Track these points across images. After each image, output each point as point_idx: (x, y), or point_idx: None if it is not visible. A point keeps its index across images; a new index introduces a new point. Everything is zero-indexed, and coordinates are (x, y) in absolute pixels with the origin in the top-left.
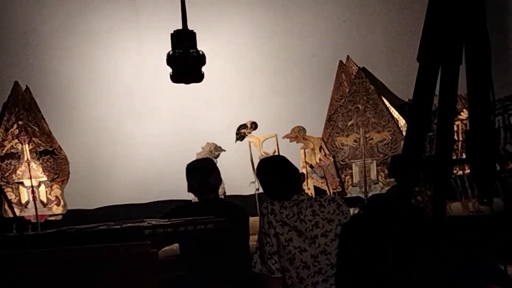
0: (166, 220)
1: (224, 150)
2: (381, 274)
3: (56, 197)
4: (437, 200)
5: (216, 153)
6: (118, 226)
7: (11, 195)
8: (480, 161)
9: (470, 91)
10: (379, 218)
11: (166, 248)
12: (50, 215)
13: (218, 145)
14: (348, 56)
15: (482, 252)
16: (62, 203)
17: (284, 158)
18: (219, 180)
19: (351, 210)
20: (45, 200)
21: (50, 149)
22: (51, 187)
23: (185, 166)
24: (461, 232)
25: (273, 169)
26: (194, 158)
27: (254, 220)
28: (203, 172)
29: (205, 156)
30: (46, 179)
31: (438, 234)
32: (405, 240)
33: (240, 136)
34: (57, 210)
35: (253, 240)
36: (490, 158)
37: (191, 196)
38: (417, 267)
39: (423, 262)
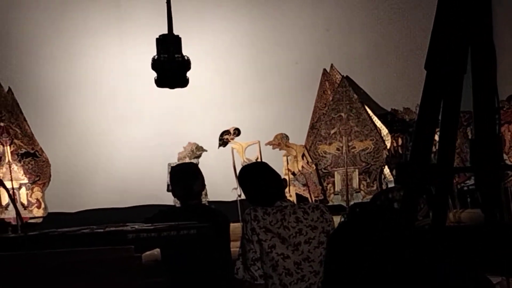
0: (149, 224)
1: (206, 150)
2: (369, 279)
3: (37, 199)
4: (437, 208)
5: (198, 153)
6: (101, 230)
7: None
8: (484, 170)
9: (475, 99)
10: (365, 225)
11: (147, 253)
12: (31, 218)
13: (200, 145)
14: (332, 64)
15: (472, 263)
16: (43, 205)
17: (266, 164)
18: (202, 186)
19: (334, 218)
20: (25, 203)
21: (32, 151)
22: (32, 189)
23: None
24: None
25: (255, 176)
26: (176, 163)
27: (235, 227)
28: (187, 177)
29: (186, 156)
30: (27, 181)
31: (438, 241)
32: (390, 245)
33: (223, 142)
34: (38, 212)
35: (234, 246)
36: (494, 167)
37: (173, 201)
38: (403, 271)
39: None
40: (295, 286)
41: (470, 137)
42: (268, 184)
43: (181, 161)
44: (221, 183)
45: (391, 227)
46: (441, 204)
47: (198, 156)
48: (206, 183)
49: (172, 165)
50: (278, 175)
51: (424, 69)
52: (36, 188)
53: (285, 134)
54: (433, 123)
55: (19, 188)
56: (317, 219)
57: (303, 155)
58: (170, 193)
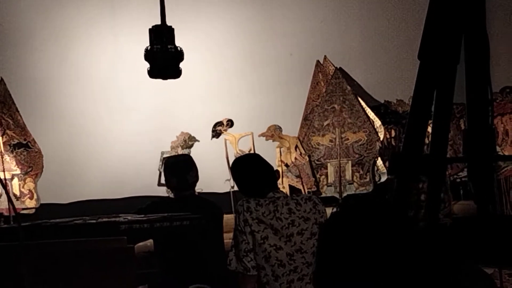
0: (142, 215)
1: (198, 141)
2: (361, 269)
3: (29, 190)
4: (431, 199)
5: (190, 143)
6: (94, 221)
7: None
8: (477, 160)
9: (468, 90)
10: (357, 215)
11: (139, 244)
12: (23, 209)
13: (192, 135)
14: (325, 56)
15: (468, 255)
16: (35, 196)
17: (258, 155)
18: (196, 178)
19: (327, 210)
20: (18, 194)
21: (24, 142)
22: (24, 180)
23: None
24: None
25: (247, 167)
26: (169, 153)
27: (228, 218)
28: (181, 169)
29: (179, 145)
30: (19, 172)
31: (431, 234)
32: (382, 236)
33: (216, 134)
34: (30, 203)
35: (227, 238)
36: (487, 158)
37: (166, 192)
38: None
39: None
40: (287, 277)
41: (463, 129)
42: (261, 176)
43: (173, 150)
44: (214, 175)
45: (384, 218)
46: (435, 195)
47: (191, 146)
48: (199, 174)
49: (165, 153)
50: (270, 167)
51: (418, 59)
52: (28, 179)
53: (278, 126)
54: (426, 113)
55: (12, 179)
56: (309, 211)
57: (296, 146)
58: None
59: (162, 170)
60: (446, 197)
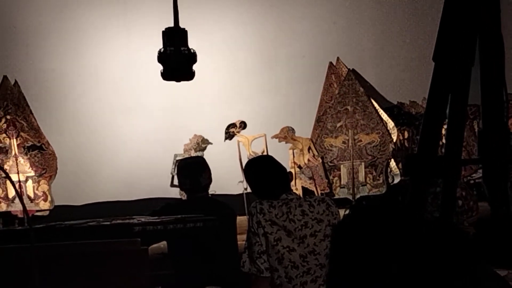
0: (156, 217)
1: (211, 143)
2: (374, 272)
3: (44, 192)
4: (445, 201)
5: (203, 145)
6: (108, 223)
7: None
8: (492, 162)
9: (483, 91)
10: (369, 218)
11: (153, 245)
12: (37, 211)
13: (205, 138)
14: (338, 57)
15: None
16: (49, 198)
17: (271, 157)
18: (209, 179)
19: (340, 212)
20: (32, 196)
21: (38, 144)
22: (38, 182)
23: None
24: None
25: (260, 169)
26: (182, 156)
27: (241, 220)
28: (194, 170)
29: (192, 148)
30: (33, 174)
31: (445, 235)
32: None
33: (229, 135)
34: (44, 205)
35: (240, 239)
36: (502, 159)
37: (179, 194)
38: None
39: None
40: (300, 279)
41: (476, 130)
42: (274, 178)
43: (186, 153)
44: (227, 176)
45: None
46: (450, 197)
47: (204, 149)
48: (212, 176)
49: (178, 156)
50: (283, 168)
51: (432, 61)
52: (42, 181)
53: (291, 127)
54: (441, 114)
55: (26, 181)
56: (323, 212)
57: (309, 148)
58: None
59: (175, 173)
60: (474, 206)
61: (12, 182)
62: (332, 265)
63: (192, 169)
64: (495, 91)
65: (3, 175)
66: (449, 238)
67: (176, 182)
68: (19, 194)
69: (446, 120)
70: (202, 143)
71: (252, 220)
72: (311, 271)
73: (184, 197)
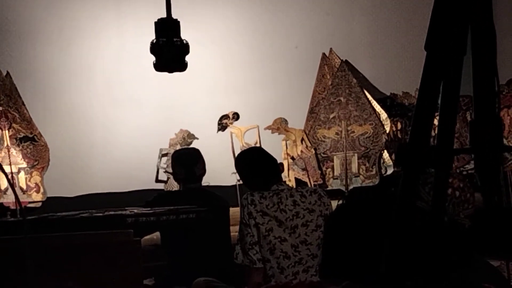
0: (149, 208)
1: (197, 138)
2: (366, 262)
3: (36, 184)
4: (437, 191)
5: (189, 140)
6: (101, 214)
7: None
8: (484, 152)
9: (475, 81)
10: (362, 207)
11: (146, 237)
12: (30, 202)
13: (192, 132)
14: (331, 48)
15: (475, 248)
16: (41, 190)
17: (260, 149)
18: (203, 170)
19: (333, 203)
20: (24, 187)
21: (31, 136)
22: (30, 173)
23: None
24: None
25: (250, 161)
26: (168, 150)
27: (234, 211)
28: (189, 160)
29: (177, 143)
30: (26, 165)
31: (437, 226)
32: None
33: (222, 127)
34: (37, 197)
35: (233, 231)
36: (494, 149)
37: (164, 188)
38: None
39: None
40: (292, 269)
41: (469, 121)
42: (264, 169)
43: (172, 148)
44: (220, 168)
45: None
46: (441, 187)
47: (189, 144)
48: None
49: (163, 150)
50: (274, 160)
51: (424, 50)
52: (35, 173)
53: (284, 119)
54: (433, 104)
55: (18, 172)
56: (314, 202)
57: (302, 139)
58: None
59: (160, 166)
60: (471, 199)
61: (5, 172)
62: (325, 255)
63: (187, 159)
64: (487, 81)
65: None
66: (441, 228)
67: (160, 177)
68: (12, 185)
69: (438, 111)
70: (188, 138)
71: (243, 212)
72: (303, 261)
73: (176, 188)
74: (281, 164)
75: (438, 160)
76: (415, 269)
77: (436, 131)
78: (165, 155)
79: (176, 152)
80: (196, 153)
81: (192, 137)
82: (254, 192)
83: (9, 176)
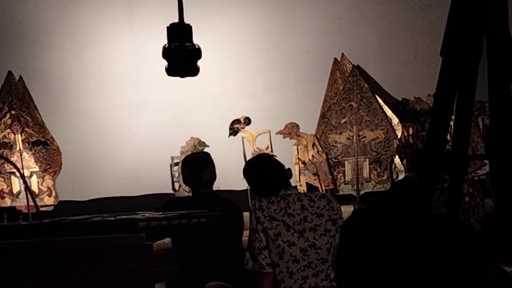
0: (160, 213)
1: (208, 146)
2: (382, 267)
3: (48, 188)
4: (451, 196)
5: (200, 148)
6: (112, 218)
7: (2, 185)
8: (499, 158)
9: (491, 87)
10: (377, 213)
11: (157, 241)
12: (42, 206)
13: (202, 140)
14: (342, 53)
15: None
16: (53, 194)
17: (267, 155)
18: (212, 175)
19: (345, 208)
20: (36, 191)
21: (43, 140)
22: (43, 177)
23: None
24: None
25: (256, 168)
26: (179, 158)
27: (245, 216)
28: (196, 166)
29: (188, 151)
30: (38, 169)
31: (451, 231)
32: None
33: (233, 131)
34: (49, 201)
35: (245, 235)
36: (509, 155)
37: (174, 192)
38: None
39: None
40: (302, 273)
41: (481, 127)
42: (271, 175)
43: (183, 156)
44: (231, 172)
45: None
46: (456, 193)
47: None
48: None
49: (175, 158)
50: (281, 165)
51: (440, 56)
52: (47, 176)
53: (295, 123)
54: (448, 109)
55: (30, 176)
56: (323, 207)
57: (314, 144)
58: (178, 187)
59: (173, 175)
60: (481, 203)
61: (22, 174)
62: (340, 261)
63: (194, 165)
64: (503, 87)
65: (8, 170)
66: (455, 234)
67: (176, 186)
68: (28, 188)
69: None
70: (199, 145)
71: (251, 217)
72: (312, 265)
73: (188, 192)
74: (289, 169)
75: (453, 165)
76: (429, 274)
77: (451, 136)
78: (177, 164)
79: (186, 157)
80: (206, 158)
81: (203, 144)
82: (262, 198)
83: (21, 180)
